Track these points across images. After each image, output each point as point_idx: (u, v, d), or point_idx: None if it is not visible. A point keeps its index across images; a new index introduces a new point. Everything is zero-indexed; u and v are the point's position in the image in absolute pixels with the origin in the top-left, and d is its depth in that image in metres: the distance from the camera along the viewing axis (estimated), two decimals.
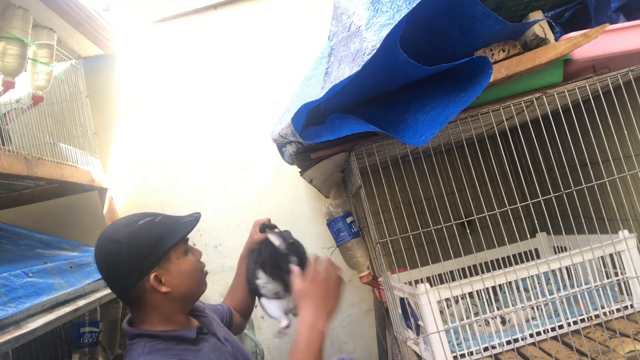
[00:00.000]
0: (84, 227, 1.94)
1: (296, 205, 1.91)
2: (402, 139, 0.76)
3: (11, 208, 1.88)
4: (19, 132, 1.39)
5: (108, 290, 1.48)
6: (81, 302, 1.31)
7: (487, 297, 1.01)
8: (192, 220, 1.19)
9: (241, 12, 2.02)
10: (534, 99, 0.87)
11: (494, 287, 0.98)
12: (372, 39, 0.72)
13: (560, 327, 0.96)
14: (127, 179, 1.99)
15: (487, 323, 0.99)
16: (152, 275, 1.09)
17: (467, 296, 1.00)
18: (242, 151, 1.97)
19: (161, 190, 1.98)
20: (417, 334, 0.98)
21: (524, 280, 1.02)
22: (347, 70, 0.80)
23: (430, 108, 0.81)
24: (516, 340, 0.95)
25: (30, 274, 1.18)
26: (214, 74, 2.01)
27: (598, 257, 0.99)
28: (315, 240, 1.90)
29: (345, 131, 0.76)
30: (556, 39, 0.87)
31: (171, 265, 1.12)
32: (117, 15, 2.01)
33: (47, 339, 1.54)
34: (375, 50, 0.69)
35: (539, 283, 1.03)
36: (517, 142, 0.92)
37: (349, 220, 1.32)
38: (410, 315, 1.01)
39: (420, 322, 0.95)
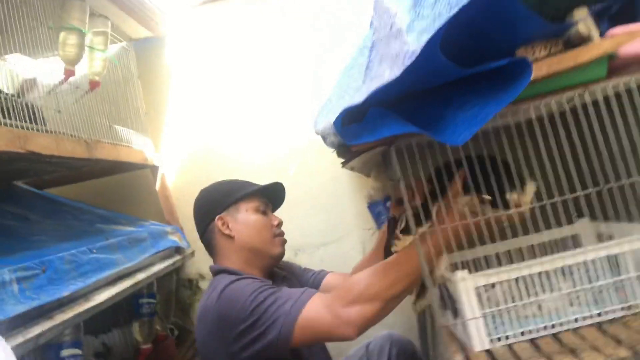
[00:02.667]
0: (139, 203, 2.07)
1: (337, 184, 1.96)
2: (441, 138, 0.79)
3: (71, 184, 2.02)
4: (79, 116, 1.49)
5: (163, 264, 1.60)
6: (140, 276, 1.43)
7: (526, 283, 1.03)
8: (270, 184, 1.37)
9: None
10: (576, 95, 0.86)
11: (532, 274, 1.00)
12: (412, 44, 0.73)
13: (599, 314, 0.98)
14: (178, 156, 2.09)
15: (525, 308, 1.02)
16: (219, 217, 1.29)
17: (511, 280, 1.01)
18: (287, 131, 2.03)
19: (210, 168, 2.07)
20: (455, 317, 1.02)
21: (565, 268, 1.03)
22: (387, 70, 0.83)
23: (470, 106, 0.82)
24: (553, 326, 0.97)
25: (94, 250, 1.30)
26: (260, 55, 2.05)
27: None
28: (356, 219, 1.96)
29: (385, 133, 0.79)
30: (602, 34, 0.86)
31: (238, 215, 1.31)
32: None
33: (110, 309, 1.68)
34: (415, 56, 0.72)
35: (580, 270, 1.04)
36: (561, 128, 0.92)
37: (389, 204, 1.36)
38: (447, 299, 1.06)
39: (457, 306, 0.99)
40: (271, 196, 1.41)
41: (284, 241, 1.35)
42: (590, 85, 0.86)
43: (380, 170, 1.66)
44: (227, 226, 1.29)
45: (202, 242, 1.36)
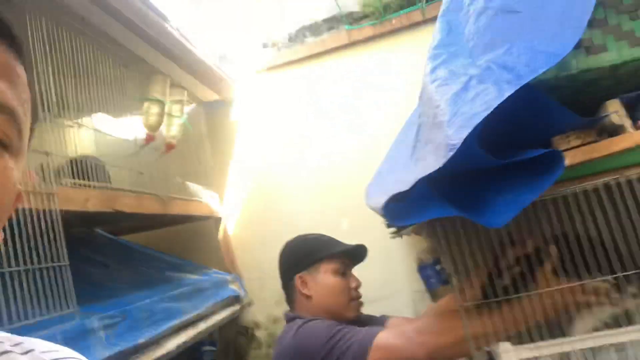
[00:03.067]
0: (202, 251, 2.23)
1: (388, 242, 2.03)
2: (481, 221, 0.87)
3: (143, 231, 2.22)
4: (156, 175, 1.68)
5: (224, 313, 1.72)
6: (203, 325, 1.55)
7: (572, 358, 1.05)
8: (353, 247, 1.41)
9: (344, 61, 2.19)
10: (611, 180, 0.92)
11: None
12: (453, 137, 0.83)
13: None
14: (239, 209, 2.25)
15: None
16: (298, 276, 1.36)
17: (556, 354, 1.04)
18: (343, 191, 2.14)
19: (268, 221, 2.21)
20: None
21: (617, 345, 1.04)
22: (431, 155, 0.92)
23: (509, 190, 0.90)
24: None
25: (164, 300, 1.44)
26: (316, 116, 2.21)
27: None
28: (407, 278, 2.01)
29: (428, 216, 0.88)
30: (635, 121, 0.92)
31: (318, 275, 1.36)
32: (232, 63, 2.28)
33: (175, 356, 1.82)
34: (455, 149, 0.81)
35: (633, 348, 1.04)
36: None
37: (438, 267, 1.42)
38: None
39: None
40: (353, 255, 1.45)
41: (360, 304, 1.41)
42: (625, 171, 0.91)
43: (431, 231, 1.73)
44: (306, 285, 1.36)
45: (283, 290, 1.46)
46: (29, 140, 0.46)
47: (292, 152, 2.22)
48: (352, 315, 1.37)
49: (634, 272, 0.94)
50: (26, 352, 0.46)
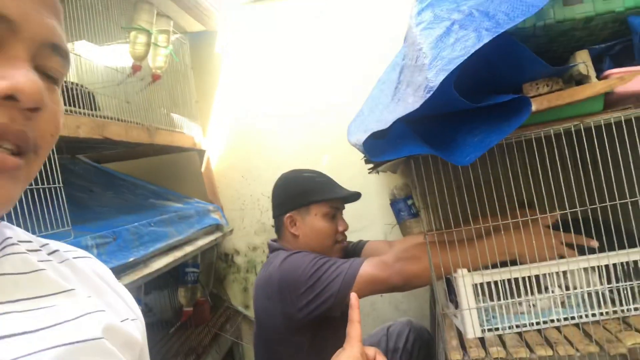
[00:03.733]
0: (184, 181, 2.29)
1: (365, 178, 2.13)
2: (451, 159, 0.94)
3: (126, 160, 2.26)
4: (143, 105, 1.70)
5: (207, 239, 1.81)
6: (187, 248, 1.64)
7: (521, 283, 1.18)
8: (347, 193, 1.45)
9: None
10: (572, 126, 1.00)
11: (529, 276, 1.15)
12: (432, 80, 0.89)
13: (585, 316, 1.12)
14: (222, 141, 2.30)
15: (517, 305, 1.17)
16: (288, 215, 1.43)
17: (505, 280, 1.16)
18: (324, 127, 2.20)
19: (249, 154, 2.27)
20: (456, 308, 1.19)
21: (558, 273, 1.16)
22: (410, 96, 0.98)
23: (478, 132, 0.97)
24: (539, 323, 1.13)
25: (152, 224, 1.51)
26: (301, 51, 2.22)
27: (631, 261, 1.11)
28: (380, 211, 2.13)
29: (404, 152, 0.95)
30: (605, 70, 0.99)
31: (307, 217, 1.42)
32: None
33: (160, 275, 1.92)
34: (433, 91, 0.87)
35: (573, 276, 1.16)
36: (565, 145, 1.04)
37: (409, 202, 1.52)
38: (451, 292, 1.22)
39: (457, 299, 1.15)
40: (348, 199, 1.51)
41: (343, 247, 1.48)
42: (586, 118, 0.99)
43: (406, 169, 1.82)
44: (295, 225, 1.43)
45: (274, 219, 1.52)
46: None
47: (276, 88, 2.25)
48: (334, 256, 1.43)
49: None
50: (52, 252, 0.53)
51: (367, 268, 1.24)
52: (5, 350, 0.38)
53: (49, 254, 0.52)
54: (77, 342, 0.43)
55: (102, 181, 1.96)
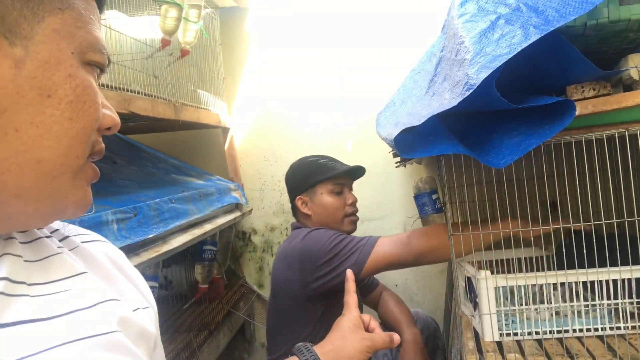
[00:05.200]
0: (208, 158, 2.29)
1: (388, 166, 2.09)
2: (485, 161, 0.91)
3: (150, 133, 2.26)
4: (170, 80, 1.68)
5: (226, 218, 1.81)
6: (207, 226, 1.64)
7: (544, 289, 1.14)
8: (347, 168, 1.55)
9: None
10: (616, 133, 0.95)
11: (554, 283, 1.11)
12: (472, 77, 0.85)
13: (610, 329, 1.09)
14: (247, 121, 2.28)
15: (539, 311, 1.15)
16: (298, 198, 1.57)
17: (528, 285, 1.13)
18: (350, 112, 2.16)
19: (274, 134, 2.25)
20: (474, 310, 1.16)
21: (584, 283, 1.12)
22: (447, 92, 0.94)
23: (516, 134, 0.93)
24: (560, 332, 1.10)
25: (173, 201, 1.51)
26: (334, 31, 2.16)
27: None
28: (402, 201, 2.09)
29: (436, 151, 0.91)
30: None
31: (315, 197, 1.54)
32: None
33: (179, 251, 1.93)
34: (473, 89, 0.83)
35: (599, 287, 1.13)
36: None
37: (434, 196, 1.48)
38: (471, 292, 1.20)
39: (477, 300, 1.13)
40: (351, 173, 1.59)
41: (355, 220, 1.57)
42: (632, 125, 0.94)
43: (432, 162, 1.77)
44: (306, 205, 1.55)
45: (291, 205, 1.64)
46: None
47: (304, 69, 2.21)
48: (347, 229, 1.54)
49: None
50: (63, 239, 0.52)
51: (382, 245, 1.33)
52: (24, 340, 0.38)
53: (60, 240, 0.51)
54: (93, 336, 0.42)
55: (126, 153, 1.96)
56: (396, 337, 0.86)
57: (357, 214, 1.60)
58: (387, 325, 1.67)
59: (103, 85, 1.25)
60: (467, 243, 1.09)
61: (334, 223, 1.53)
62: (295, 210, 1.61)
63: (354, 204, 1.57)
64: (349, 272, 0.94)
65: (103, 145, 0.49)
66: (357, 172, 1.61)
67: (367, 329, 0.87)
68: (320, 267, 1.35)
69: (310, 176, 1.55)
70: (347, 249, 1.34)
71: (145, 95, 1.44)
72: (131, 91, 1.37)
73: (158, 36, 1.59)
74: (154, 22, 1.61)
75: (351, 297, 0.90)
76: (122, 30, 1.54)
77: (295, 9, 2.19)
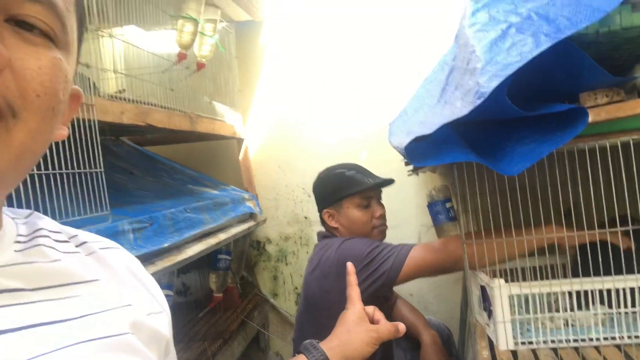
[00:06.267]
0: (222, 168, 2.32)
1: (402, 175, 2.09)
2: (497, 169, 0.91)
3: (167, 145, 2.30)
4: (186, 93, 1.71)
5: (240, 228, 1.83)
6: (221, 236, 1.65)
7: (560, 297, 1.13)
8: (374, 182, 1.53)
9: None
10: (631, 140, 0.95)
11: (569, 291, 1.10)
12: (483, 85, 0.85)
13: (628, 337, 1.07)
14: (261, 131, 2.30)
15: (554, 319, 1.13)
16: (325, 211, 1.55)
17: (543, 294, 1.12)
18: (364, 122, 2.17)
19: (288, 145, 2.27)
20: (489, 318, 1.15)
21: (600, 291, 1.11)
22: (459, 100, 0.95)
23: (529, 141, 0.93)
24: (576, 341, 1.08)
25: (188, 210, 1.53)
26: (347, 44, 2.19)
27: None
28: (416, 210, 2.09)
29: (447, 159, 0.92)
30: None
31: (342, 210, 1.53)
32: None
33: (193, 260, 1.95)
34: (484, 98, 0.84)
35: (616, 295, 1.11)
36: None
37: (448, 205, 1.48)
38: (485, 300, 1.19)
39: (491, 308, 1.12)
40: (386, 183, 1.58)
41: (383, 231, 1.55)
42: None
43: (446, 170, 1.77)
44: (333, 219, 1.54)
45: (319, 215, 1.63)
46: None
47: (317, 80, 2.23)
48: (376, 240, 1.50)
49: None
50: (80, 244, 0.53)
51: (418, 249, 1.33)
52: (36, 341, 0.39)
53: (77, 245, 0.51)
54: (105, 337, 0.43)
55: (143, 164, 2.00)
56: (401, 326, 0.84)
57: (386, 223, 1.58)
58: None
59: (122, 99, 1.28)
60: (491, 253, 1.09)
61: (362, 236, 1.50)
62: (323, 222, 1.59)
63: (382, 216, 1.55)
64: (349, 265, 0.93)
65: None
66: (388, 182, 1.59)
67: (372, 321, 0.85)
68: (358, 273, 1.34)
69: (337, 190, 1.53)
70: (383, 254, 1.33)
71: (162, 107, 1.47)
72: (148, 104, 1.40)
73: (175, 50, 1.63)
74: (171, 37, 1.65)
75: (353, 289, 0.89)
76: (140, 45, 1.59)
77: (309, 22, 2.22)
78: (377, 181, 1.53)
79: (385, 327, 0.83)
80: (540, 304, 1.08)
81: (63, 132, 0.47)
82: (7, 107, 0.36)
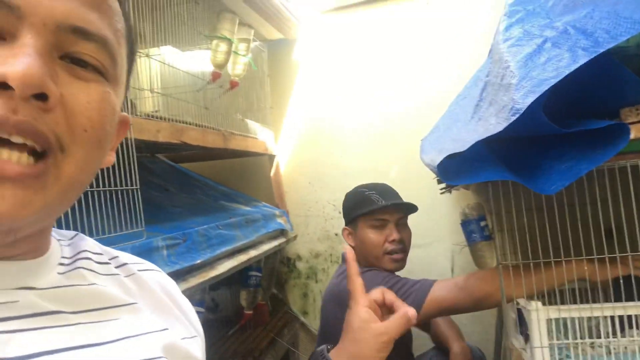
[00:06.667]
0: (254, 185, 2.34)
1: (434, 192, 2.06)
2: (534, 187, 0.88)
3: (201, 162, 2.34)
4: (220, 111, 1.75)
5: (271, 244, 1.83)
6: (252, 252, 1.66)
7: (601, 322, 1.08)
8: (387, 203, 1.49)
9: (409, 8, 2.13)
10: None
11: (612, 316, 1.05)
12: (518, 101, 0.83)
13: None
14: (292, 148, 2.32)
15: (594, 346, 1.08)
16: (344, 228, 1.58)
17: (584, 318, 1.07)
18: (395, 138, 2.16)
19: (318, 162, 2.27)
20: (526, 343, 1.11)
21: None
22: (493, 117, 0.93)
23: (567, 159, 0.90)
24: None
25: (220, 227, 1.55)
26: (377, 62, 2.19)
27: None
28: (450, 228, 2.05)
29: (482, 178, 0.90)
30: None
31: (357, 229, 1.53)
32: (298, 2, 2.27)
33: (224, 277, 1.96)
34: (519, 114, 0.82)
35: None
36: None
37: (482, 223, 1.44)
38: (522, 323, 1.15)
39: (528, 332, 1.08)
40: (401, 208, 1.53)
41: (397, 259, 1.48)
42: None
43: (480, 187, 1.73)
44: (350, 237, 1.55)
45: None
46: (129, 71, 0.49)
47: (350, 97, 2.24)
48: (387, 267, 1.47)
49: None
50: (120, 265, 0.54)
51: (437, 290, 1.27)
52: None
53: (117, 267, 0.53)
54: None
55: (178, 181, 2.04)
56: (411, 311, 0.69)
57: (403, 251, 1.51)
58: (438, 343, 1.63)
59: (158, 117, 1.31)
60: (524, 284, 1.06)
61: (373, 259, 1.48)
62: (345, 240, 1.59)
63: (396, 241, 1.48)
64: (348, 250, 0.76)
65: (22, 117, 0.35)
66: (406, 207, 1.54)
67: (384, 308, 0.72)
68: None
69: (354, 208, 1.53)
70: (400, 294, 1.28)
71: (196, 125, 1.50)
72: (183, 122, 1.43)
73: (209, 69, 1.67)
74: (206, 56, 1.69)
75: (354, 283, 0.73)
76: (175, 65, 1.63)
77: (340, 39, 2.23)
78: (390, 202, 1.48)
79: (395, 324, 0.69)
80: (580, 328, 1.04)
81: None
82: (56, 142, 0.37)
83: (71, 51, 0.39)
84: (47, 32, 0.37)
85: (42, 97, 0.36)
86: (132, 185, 1.16)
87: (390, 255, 1.47)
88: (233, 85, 1.78)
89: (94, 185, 1.04)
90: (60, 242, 0.49)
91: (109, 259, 0.53)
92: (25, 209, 0.36)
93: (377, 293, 0.73)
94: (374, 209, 1.48)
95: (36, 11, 0.36)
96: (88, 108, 0.39)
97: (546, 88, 0.80)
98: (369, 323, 0.68)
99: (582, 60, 0.79)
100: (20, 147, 0.36)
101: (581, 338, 1.05)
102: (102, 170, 1.04)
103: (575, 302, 1.06)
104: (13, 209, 0.35)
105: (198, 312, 1.36)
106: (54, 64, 0.38)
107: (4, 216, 0.35)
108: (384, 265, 1.47)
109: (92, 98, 0.40)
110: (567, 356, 1.05)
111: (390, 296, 0.72)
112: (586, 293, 1.30)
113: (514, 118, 0.83)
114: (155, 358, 0.45)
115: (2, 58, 0.35)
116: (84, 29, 0.39)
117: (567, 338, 1.05)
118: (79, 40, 0.39)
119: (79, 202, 1.02)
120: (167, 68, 1.60)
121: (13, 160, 0.35)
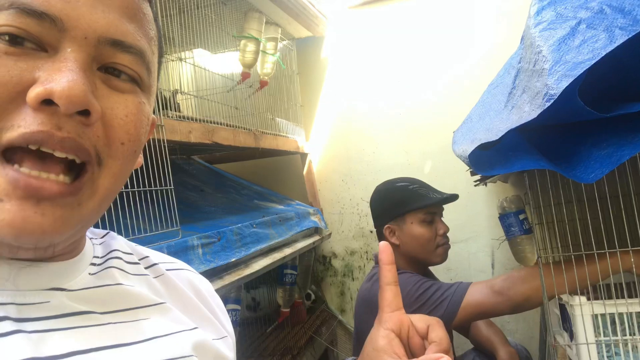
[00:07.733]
0: (287, 184, 2.35)
1: (471, 187, 2.01)
2: (572, 176, 0.84)
3: (234, 162, 2.37)
4: (250, 110, 1.76)
5: (306, 242, 1.83)
6: (287, 250, 1.67)
7: None
8: (440, 197, 1.45)
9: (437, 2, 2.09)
10: None
11: None
12: (552, 87, 0.80)
13: None
14: (324, 145, 2.31)
15: None
16: (386, 226, 1.46)
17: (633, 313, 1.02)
18: (428, 132, 2.12)
19: (351, 159, 2.26)
20: (571, 339, 1.06)
21: None
22: (527, 104, 0.90)
23: (606, 145, 0.86)
24: None
25: (254, 225, 1.56)
26: (408, 56, 2.16)
27: None
28: (488, 222, 2.00)
29: (517, 167, 0.86)
30: None
31: (404, 226, 1.44)
32: (324, 1, 2.26)
33: (262, 275, 1.98)
34: (554, 100, 0.78)
35: None
36: None
37: (521, 217, 1.39)
38: (565, 319, 1.10)
39: (573, 329, 1.03)
40: (451, 198, 1.49)
41: (447, 249, 1.46)
42: None
43: (518, 180, 1.68)
44: (394, 235, 1.45)
45: (375, 231, 1.57)
46: (158, 74, 0.50)
47: (379, 91, 2.21)
48: (438, 260, 1.44)
49: None
50: (150, 266, 0.54)
51: (474, 294, 1.23)
52: None
53: (147, 267, 0.53)
54: (170, 359, 0.44)
55: (212, 181, 2.07)
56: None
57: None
58: (479, 347, 1.58)
59: (190, 119, 1.33)
60: (565, 278, 1.01)
61: (425, 254, 1.43)
62: (381, 237, 1.51)
63: (445, 233, 1.46)
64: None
65: (65, 134, 0.36)
66: (453, 198, 1.51)
67: (423, 338, 0.53)
68: None
69: (400, 204, 1.45)
70: (435, 298, 1.25)
71: (227, 125, 1.52)
72: (214, 122, 1.45)
73: (238, 70, 1.68)
74: (235, 57, 1.71)
75: (384, 293, 0.56)
76: (205, 66, 1.66)
77: (369, 34, 2.21)
78: (443, 196, 1.45)
79: None
80: (629, 324, 0.98)
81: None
82: (95, 156, 0.38)
83: (109, 62, 0.40)
84: (88, 45, 0.38)
85: (84, 112, 0.37)
86: (166, 185, 1.18)
87: (442, 247, 1.45)
88: (262, 84, 1.79)
89: (129, 186, 1.07)
90: (92, 240, 0.50)
91: (139, 259, 0.53)
92: (64, 226, 0.37)
93: (421, 321, 0.54)
94: (430, 203, 1.43)
95: (78, 24, 0.37)
96: (126, 122, 0.40)
97: (581, 71, 0.76)
98: (381, 354, 0.52)
99: (620, 40, 0.75)
100: (60, 160, 0.37)
101: (630, 334, 0.99)
102: (136, 171, 1.07)
103: (623, 297, 1.01)
104: (52, 228, 0.36)
105: (234, 310, 1.38)
106: (94, 77, 0.39)
107: (45, 234, 0.36)
108: (434, 259, 1.44)
109: (129, 111, 0.41)
110: (617, 353, 1.00)
111: (439, 334, 0.52)
112: (635, 288, 1.24)
113: (548, 104, 0.79)
114: (185, 356, 0.45)
115: (46, 73, 0.36)
116: (123, 42, 0.40)
117: (615, 334, 1.00)
118: (117, 53, 0.40)
119: (115, 203, 1.05)
120: (198, 70, 1.62)
121: (51, 179, 0.36)
